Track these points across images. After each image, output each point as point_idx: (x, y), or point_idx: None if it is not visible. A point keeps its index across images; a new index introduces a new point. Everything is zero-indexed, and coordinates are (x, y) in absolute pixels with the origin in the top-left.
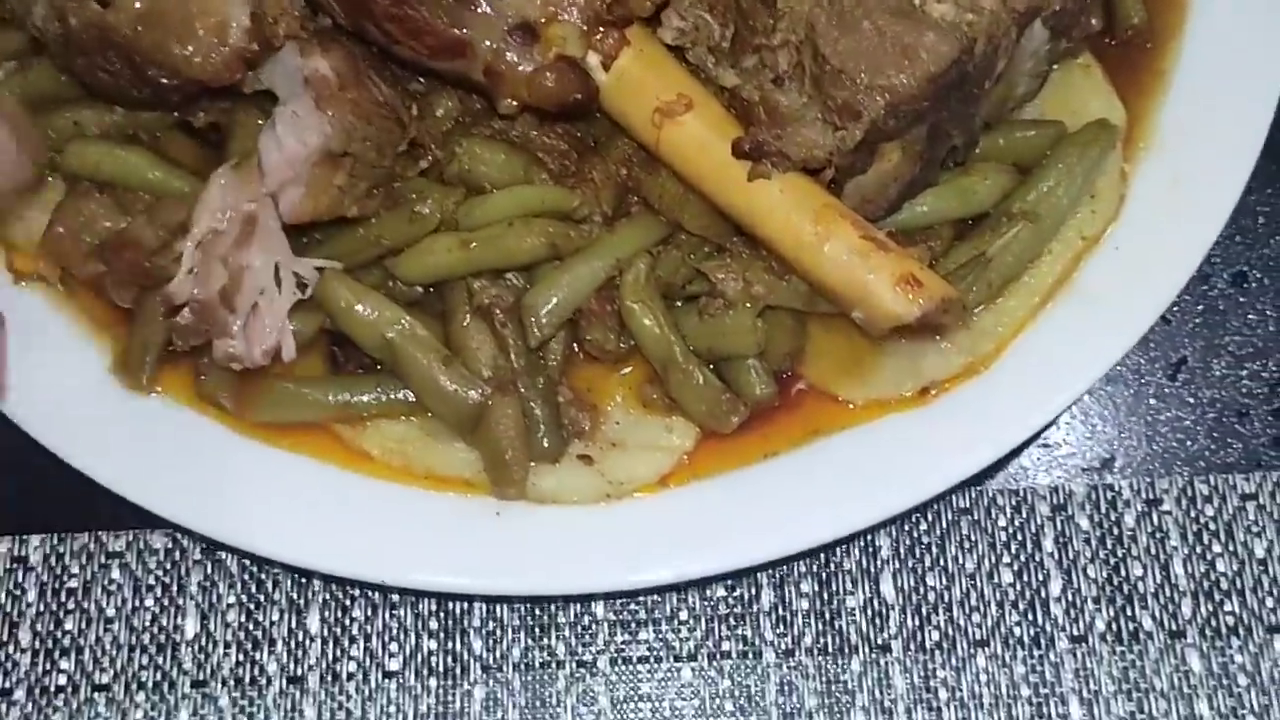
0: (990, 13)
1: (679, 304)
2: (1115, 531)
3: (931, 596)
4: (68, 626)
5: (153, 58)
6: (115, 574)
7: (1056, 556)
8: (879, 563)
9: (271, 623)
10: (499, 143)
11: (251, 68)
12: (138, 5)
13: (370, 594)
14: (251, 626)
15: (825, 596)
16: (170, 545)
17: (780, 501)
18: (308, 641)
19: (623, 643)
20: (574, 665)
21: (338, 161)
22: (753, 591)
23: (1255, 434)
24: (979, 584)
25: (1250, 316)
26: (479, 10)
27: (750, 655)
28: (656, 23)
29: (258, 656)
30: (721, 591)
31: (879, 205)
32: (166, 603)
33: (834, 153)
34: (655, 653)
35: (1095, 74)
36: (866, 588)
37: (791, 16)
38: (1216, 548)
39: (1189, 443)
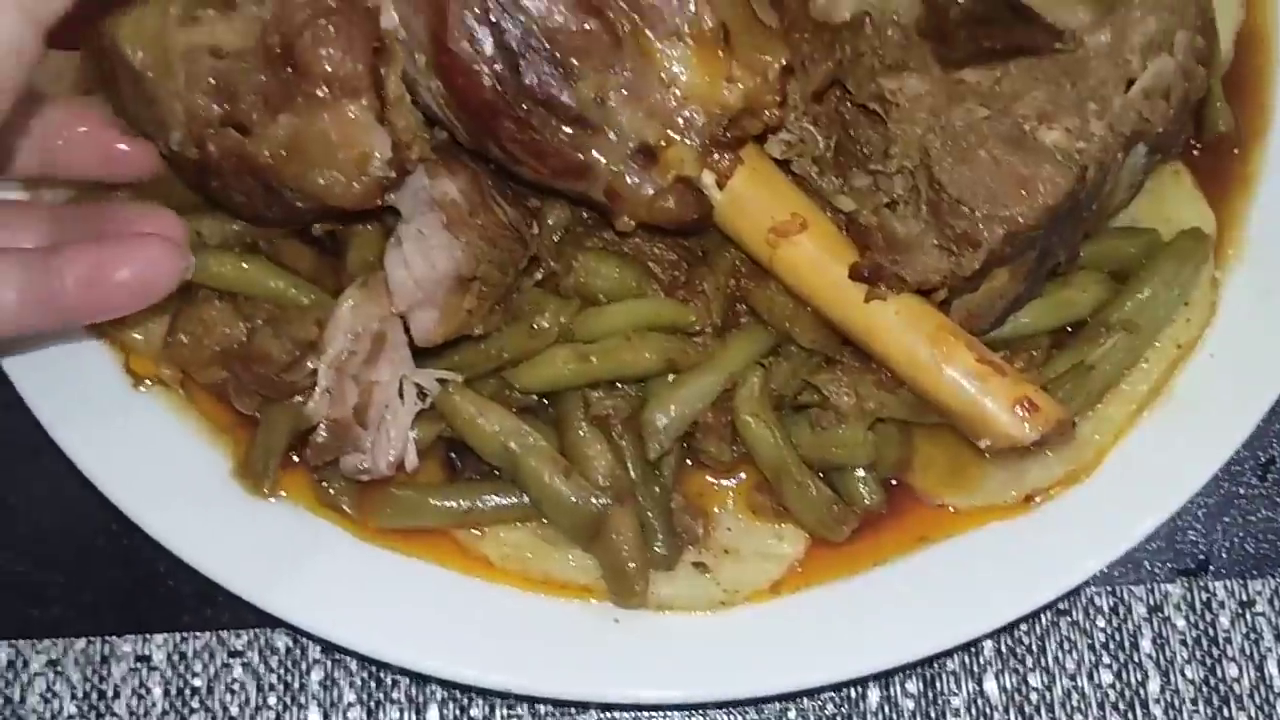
0: (1100, 139)
1: (787, 410)
2: (1211, 633)
3: (1034, 696)
4: None
5: (293, 185)
6: (238, 673)
7: (1154, 657)
8: (982, 662)
9: None
10: (613, 256)
11: (388, 193)
12: (280, 135)
13: (488, 694)
14: None
15: (930, 696)
16: (291, 644)
17: (892, 610)
18: None
19: None
20: None
21: (467, 285)
22: (859, 691)
23: None
24: (1080, 683)
25: None
26: (601, 135)
27: None
28: (764, 139)
29: None
30: (829, 690)
31: (985, 320)
32: (289, 701)
33: (949, 276)
34: None
35: (1185, 180)
36: (970, 687)
37: (904, 140)
38: None
39: None
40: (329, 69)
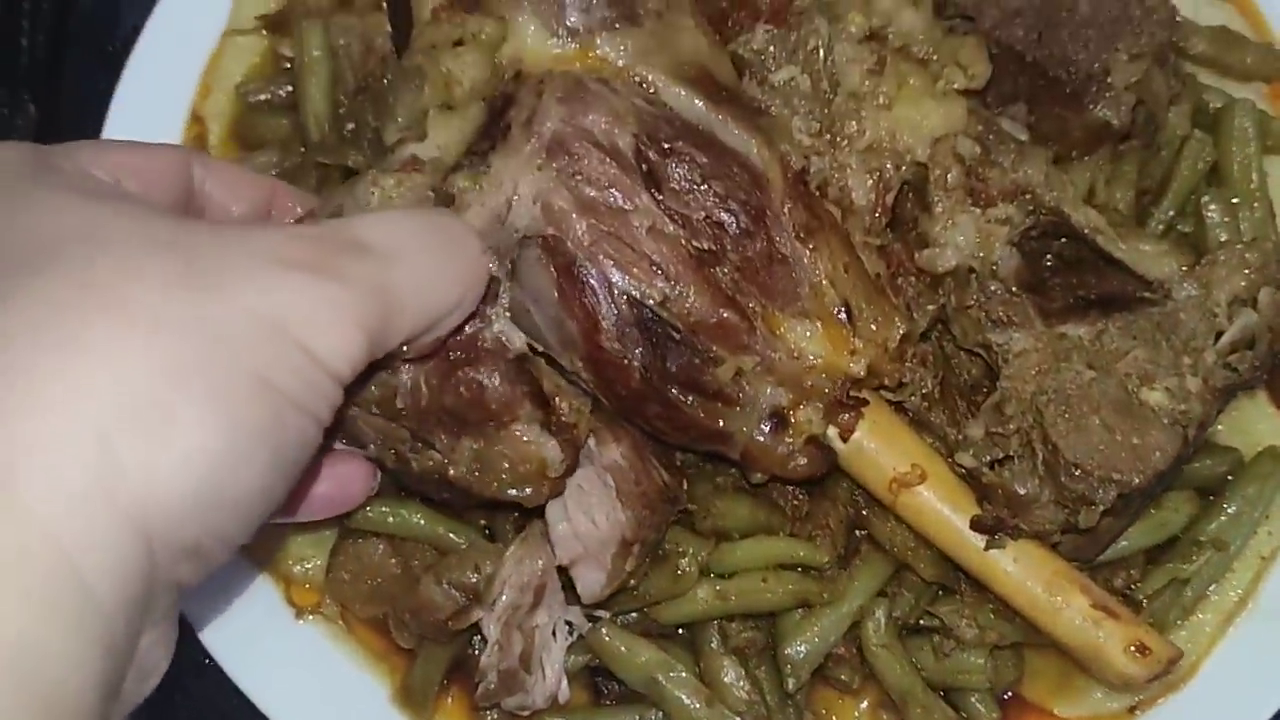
0: (1197, 397)
1: (907, 634)
2: None
3: None
4: None
5: (489, 496)
6: None
7: None
8: None
9: None
10: (744, 496)
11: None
12: (467, 455)
13: None
14: None
15: None
16: None
17: None
18: None
19: None
20: None
21: (629, 548)
22: None
23: None
24: None
25: None
26: (738, 405)
27: None
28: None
29: None
30: None
31: (1091, 553)
32: None
33: (1063, 527)
34: None
35: (1259, 397)
36: None
37: (1018, 400)
38: None
39: None
40: (490, 407)
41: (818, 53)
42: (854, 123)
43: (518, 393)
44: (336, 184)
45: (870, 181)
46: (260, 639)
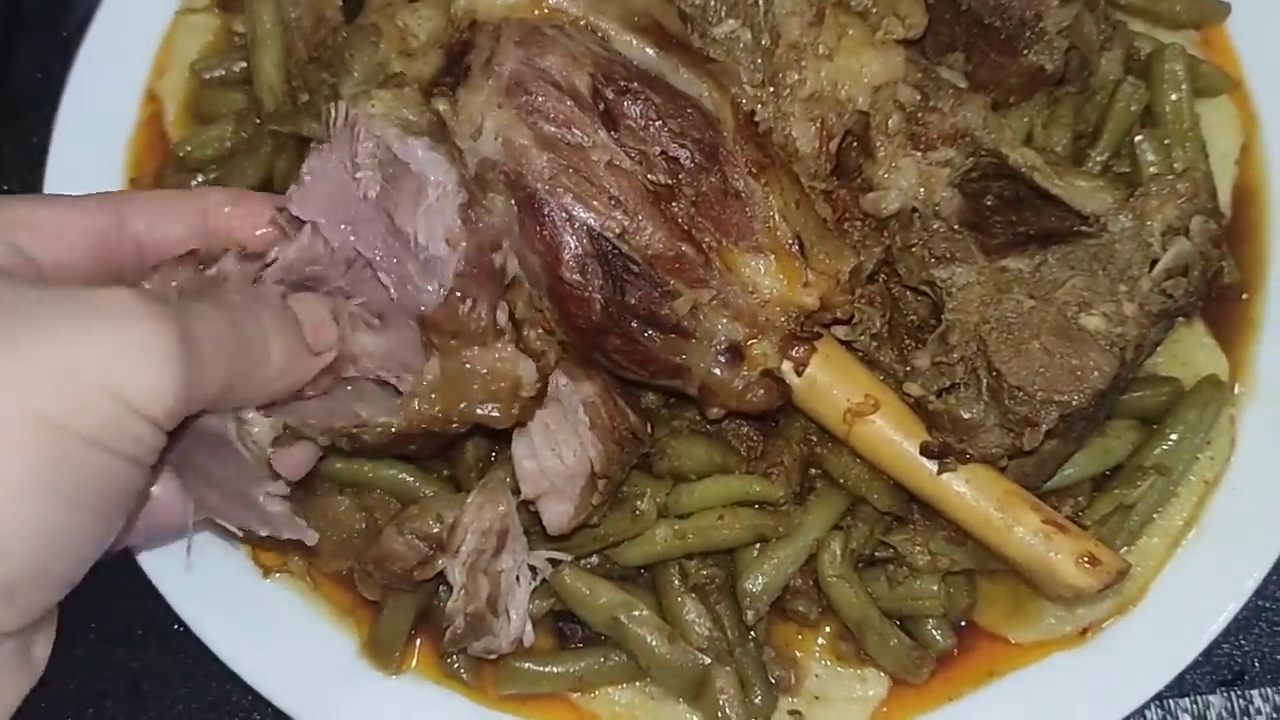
0: (1134, 320)
1: (862, 567)
2: None
3: None
4: None
5: (458, 420)
6: None
7: None
8: None
9: None
10: (699, 437)
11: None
12: (431, 384)
13: None
14: None
15: None
16: None
17: None
18: None
19: None
20: None
21: (596, 482)
22: None
23: None
24: None
25: None
26: (695, 340)
27: None
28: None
29: None
30: None
31: (1039, 479)
32: None
33: (1011, 449)
34: None
35: (1197, 327)
36: None
37: (961, 330)
38: None
39: None
40: (472, 328)
41: (757, 6)
42: (795, 73)
43: (501, 318)
44: (292, 153)
45: (814, 129)
46: (229, 599)
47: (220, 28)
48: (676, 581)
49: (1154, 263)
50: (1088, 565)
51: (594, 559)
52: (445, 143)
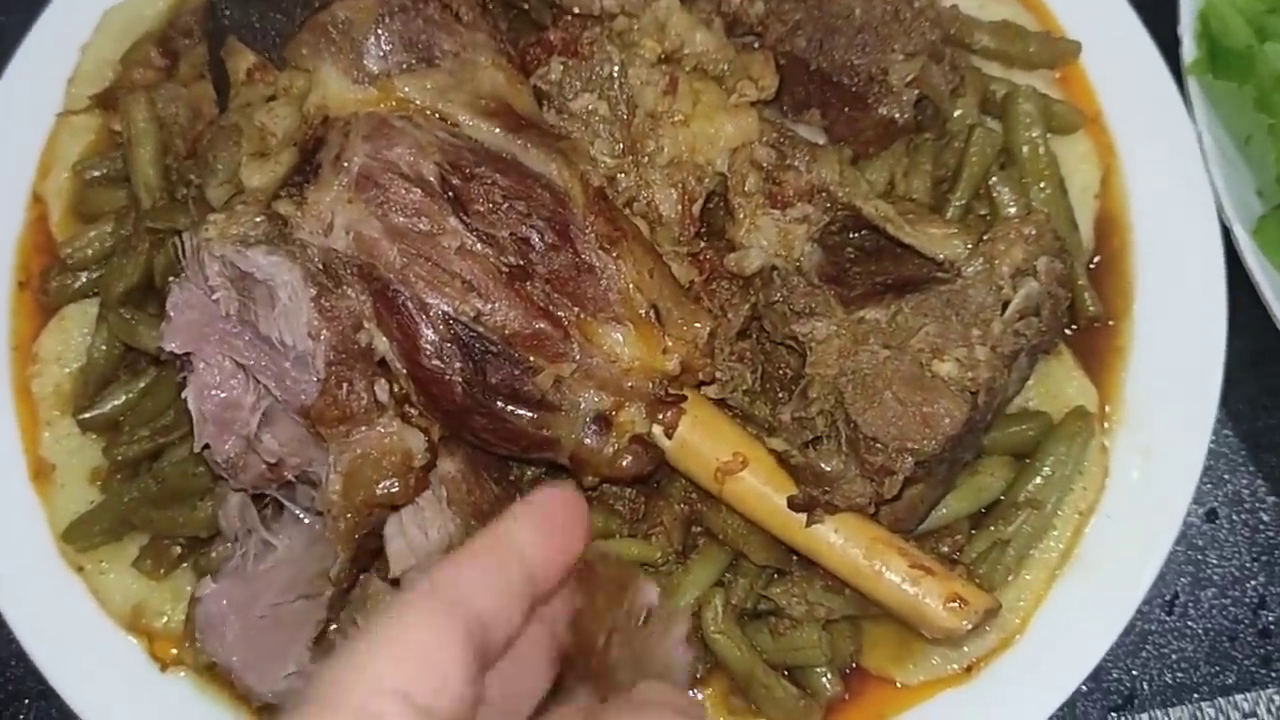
0: (986, 363)
1: (747, 620)
2: None
3: None
4: None
5: (377, 494)
6: None
7: None
8: None
9: None
10: None
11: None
12: (342, 473)
13: None
14: None
15: None
16: None
17: None
18: None
19: None
20: None
21: None
22: None
23: (1246, 655)
24: None
25: (1225, 548)
26: (561, 412)
27: None
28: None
29: None
30: None
31: (910, 523)
32: None
33: (874, 498)
34: None
35: (1066, 359)
36: None
37: (820, 383)
38: None
39: (1193, 671)
40: (354, 410)
41: (612, 79)
42: (653, 141)
43: (383, 389)
44: (169, 251)
45: (675, 195)
46: (127, 696)
47: (102, 126)
48: None
49: (1005, 305)
50: (955, 607)
51: None
52: (285, 244)
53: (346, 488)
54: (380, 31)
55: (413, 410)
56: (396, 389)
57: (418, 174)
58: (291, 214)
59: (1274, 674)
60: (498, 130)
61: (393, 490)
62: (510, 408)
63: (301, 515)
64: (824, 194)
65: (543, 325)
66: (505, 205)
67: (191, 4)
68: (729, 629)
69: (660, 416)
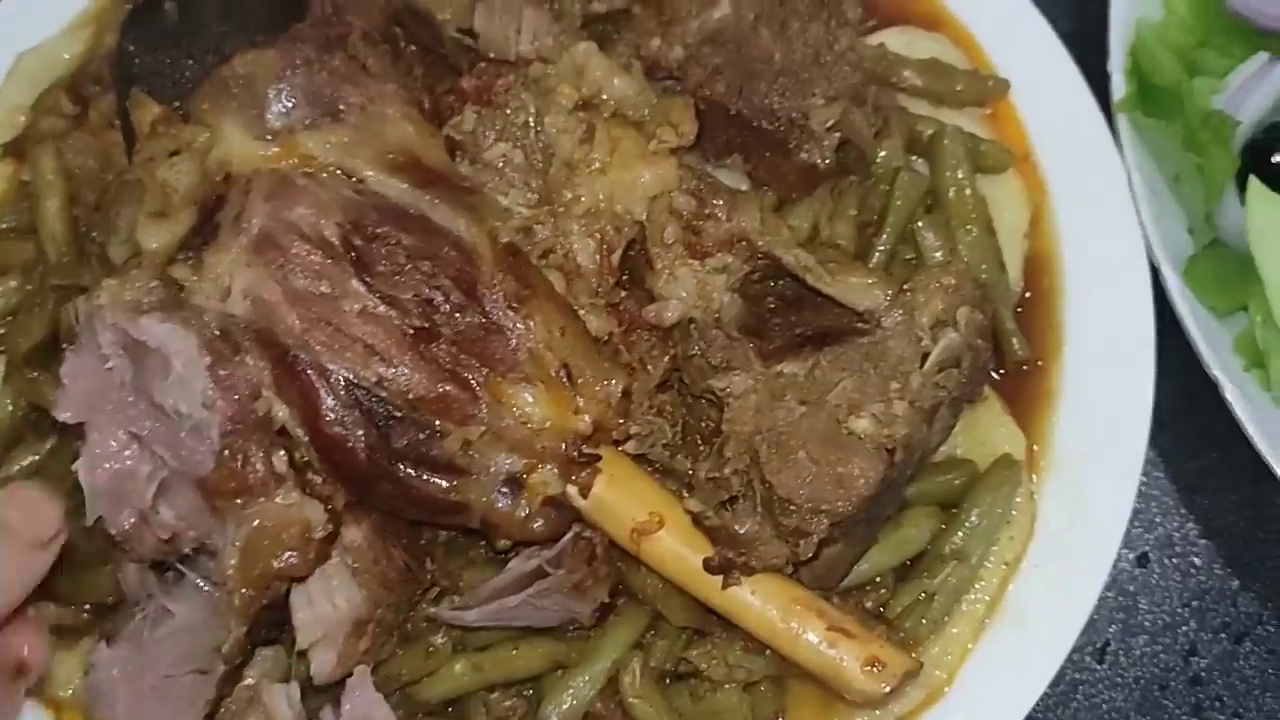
0: (904, 419)
1: (669, 683)
2: None
3: None
4: None
5: (275, 567)
6: None
7: None
8: None
9: None
10: (494, 565)
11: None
12: (239, 547)
13: None
14: None
15: None
16: None
17: None
18: None
19: None
20: None
21: (363, 628)
22: None
23: (1178, 704)
24: None
25: (1157, 594)
26: (471, 476)
27: None
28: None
29: None
30: None
31: (831, 581)
32: None
33: (790, 559)
34: None
35: (994, 405)
36: None
37: (736, 442)
38: None
39: None
40: (250, 481)
41: (528, 127)
42: (570, 190)
43: (281, 460)
44: (73, 310)
45: (593, 245)
46: None
47: (13, 176)
48: (482, 715)
49: (925, 357)
50: (873, 670)
51: (395, 698)
52: (180, 310)
53: (244, 562)
54: (282, 86)
55: (315, 478)
56: (298, 456)
57: (319, 235)
58: (187, 279)
59: None
60: (405, 185)
61: (292, 562)
62: (417, 472)
63: (202, 584)
64: (744, 243)
65: (449, 388)
66: (409, 266)
67: (105, 49)
68: (648, 693)
69: (574, 477)
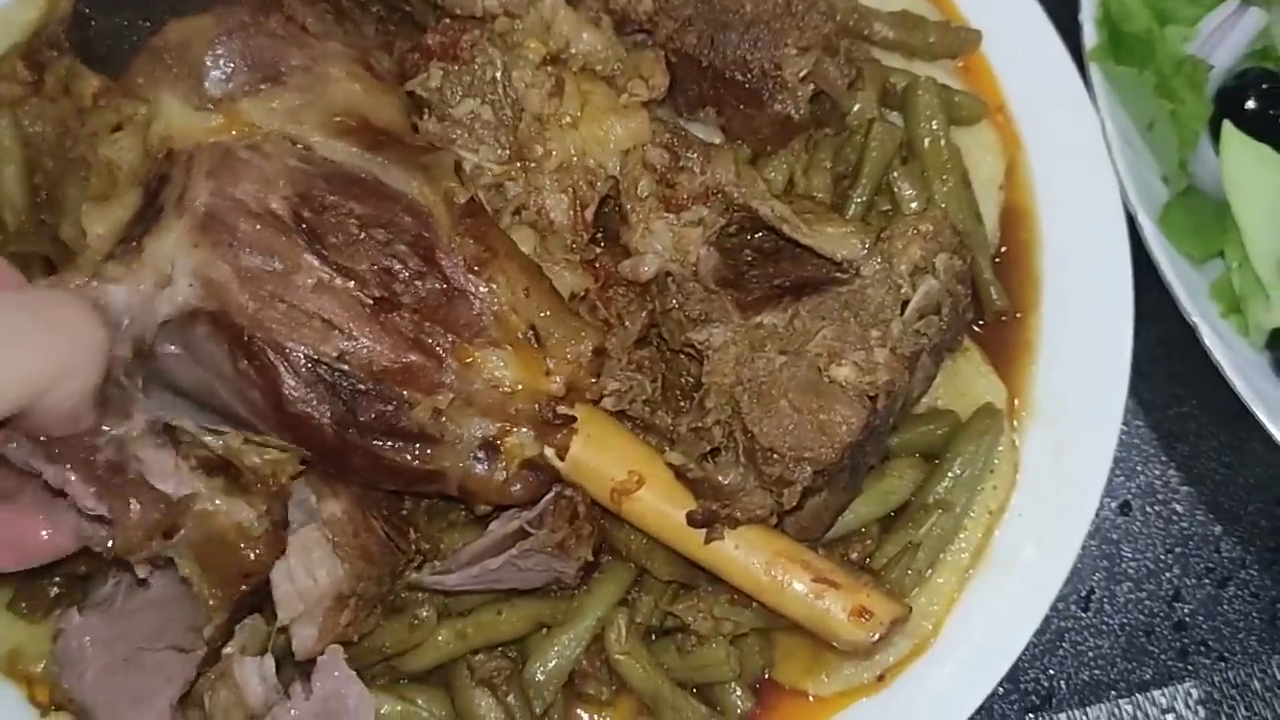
0: (884, 367)
1: (655, 638)
2: None
3: None
4: None
5: (244, 579)
6: None
7: None
8: None
9: None
10: (475, 527)
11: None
12: (192, 559)
13: None
14: None
15: None
16: None
17: None
18: None
19: None
20: None
21: (345, 601)
22: None
23: (1163, 649)
24: None
25: (1140, 541)
26: (444, 443)
27: None
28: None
29: None
30: None
31: (816, 531)
32: None
33: (774, 509)
34: None
35: (974, 356)
36: None
37: (716, 393)
38: None
39: (1110, 668)
40: (152, 523)
41: (495, 82)
42: (541, 146)
43: (175, 479)
44: (37, 272)
45: (566, 200)
46: None
47: None
48: (466, 677)
49: (905, 304)
50: (860, 618)
51: (379, 667)
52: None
53: (202, 571)
54: (219, 52)
55: (254, 461)
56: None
57: (266, 209)
58: (121, 275)
59: (1190, 667)
60: (354, 149)
61: (249, 559)
62: (388, 444)
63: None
64: (719, 195)
65: (414, 357)
66: (363, 235)
67: (61, 13)
68: (634, 649)
69: (551, 439)
